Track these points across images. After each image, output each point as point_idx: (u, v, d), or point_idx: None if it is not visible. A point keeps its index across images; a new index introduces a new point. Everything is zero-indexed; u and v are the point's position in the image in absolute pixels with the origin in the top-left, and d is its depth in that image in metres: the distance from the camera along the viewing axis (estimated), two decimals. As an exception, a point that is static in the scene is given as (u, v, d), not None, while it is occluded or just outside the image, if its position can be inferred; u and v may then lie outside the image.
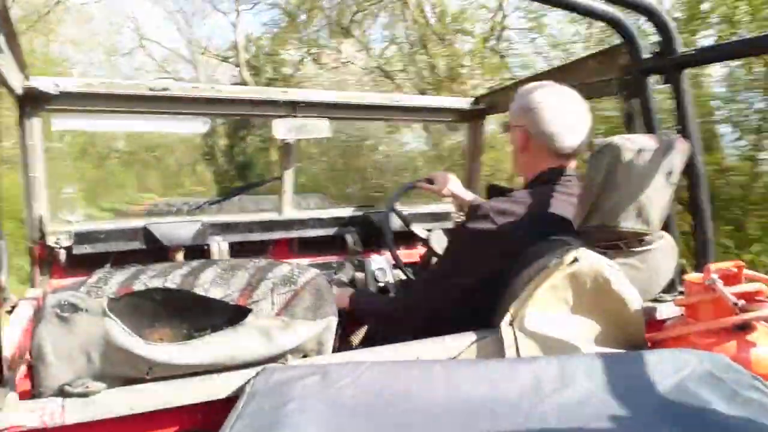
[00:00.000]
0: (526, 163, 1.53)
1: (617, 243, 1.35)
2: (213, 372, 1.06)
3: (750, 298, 1.19)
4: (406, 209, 2.44)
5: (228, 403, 0.97)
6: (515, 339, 1.16)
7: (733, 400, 0.86)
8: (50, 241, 1.92)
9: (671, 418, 0.84)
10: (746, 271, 1.25)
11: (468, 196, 1.99)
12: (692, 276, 1.30)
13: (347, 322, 1.65)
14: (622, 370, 0.97)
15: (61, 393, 0.99)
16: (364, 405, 0.90)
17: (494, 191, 1.70)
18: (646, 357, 1.00)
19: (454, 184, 1.99)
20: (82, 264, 1.92)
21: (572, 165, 1.52)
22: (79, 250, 1.97)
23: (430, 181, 2.03)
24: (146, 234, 2.07)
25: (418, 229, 2.16)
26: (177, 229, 2.11)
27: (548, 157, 1.48)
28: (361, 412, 0.89)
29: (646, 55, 1.55)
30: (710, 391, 0.88)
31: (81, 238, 1.98)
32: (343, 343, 1.80)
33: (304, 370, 1.00)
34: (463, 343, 1.18)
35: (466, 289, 1.39)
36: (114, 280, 1.12)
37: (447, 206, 2.61)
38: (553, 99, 1.48)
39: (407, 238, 2.47)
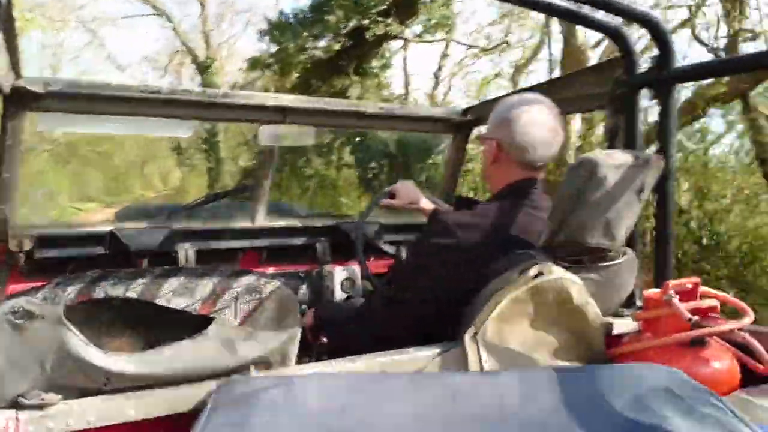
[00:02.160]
0: (496, 175, 1.54)
1: (580, 258, 1.37)
2: (174, 384, 1.04)
3: (704, 313, 1.23)
4: (380, 219, 2.44)
5: (190, 416, 0.95)
6: (478, 351, 1.17)
7: (689, 416, 0.88)
8: (11, 244, 1.85)
9: None
10: (702, 288, 1.29)
11: (430, 206, 1.93)
12: (651, 291, 1.33)
13: (311, 335, 1.64)
14: (582, 384, 0.98)
15: (15, 405, 0.95)
16: (329, 417, 0.90)
17: (461, 203, 1.71)
18: (606, 372, 1.02)
19: (415, 195, 1.93)
20: (43, 269, 1.86)
21: (541, 177, 1.52)
22: (40, 254, 1.91)
23: (392, 196, 1.96)
24: (112, 239, 2.01)
25: (386, 245, 2.16)
26: (144, 234, 2.06)
27: (518, 170, 1.49)
28: (325, 424, 0.88)
29: (641, 70, 1.56)
30: (667, 406, 0.90)
31: (44, 241, 1.92)
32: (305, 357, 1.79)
33: (268, 382, 0.98)
34: (427, 355, 1.18)
35: (428, 302, 1.39)
36: (73, 287, 1.09)
37: (420, 218, 2.62)
38: (527, 112, 1.47)
39: (378, 249, 2.47)
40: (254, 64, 12.98)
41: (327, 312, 1.73)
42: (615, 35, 1.56)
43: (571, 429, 0.86)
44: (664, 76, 1.50)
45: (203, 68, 18.27)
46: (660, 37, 1.49)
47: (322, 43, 11.20)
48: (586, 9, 1.47)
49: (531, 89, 2.08)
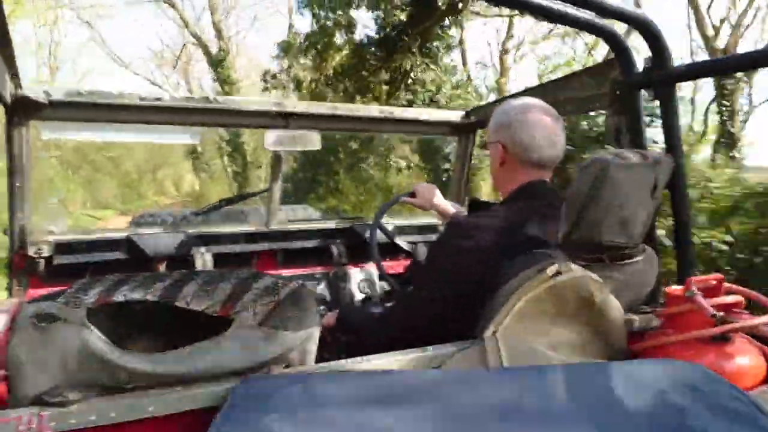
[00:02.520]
0: (504, 177, 1.54)
1: (600, 256, 1.36)
2: (194, 382, 1.05)
3: (728, 309, 1.21)
4: (393, 221, 2.45)
5: (209, 414, 0.95)
6: (498, 349, 1.16)
7: (712, 410, 0.86)
8: (31, 251, 1.89)
9: (652, 428, 0.84)
10: (726, 284, 1.27)
11: (451, 209, 2.00)
12: (673, 288, 1.32)
13: (330, 337, 1.64)
14: (604, 380, 0.97)
15: (38, 403, 0.97)
16: (347, 415, 0.90)
17: (474, 205, 1.71)
18: (627, 367, 1.01)
19: (437, 197, 2.00)
20: (62, 274, 1.90)
21: (549, 177, 1.53)
22: (59, 260, 1.94)
23: (413, 195, 2.04)
24: (129, 245, 2.05)
25: (402, 242, 2.17)
26: (161, 240, 2.10)
27: (526, 171, 1.49)
28: (343, 422, 0.88)
29: (637, 70, 1.56)
30: (690, 401, 0.89)
31: (62, 248, 1.96)
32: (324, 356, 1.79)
33: (287, 380, 0.99)
34: (445, 353, 1.18)
35: (447, 302, 1.38)
36: (93, 291, 1.11)
37: (433, 219, 2.63)
38: (528, 112, 1.49)
39: (392, 250, 2.48)
40: (286, 48, 11.76)
41: (347, 314, 1.73)
42: (608, 37, 1.56)
43: (592, 424, 0.85)
44: (661, 76, 1.51)
45: (217, 62, 17.56)
46: (653, 37, 1.50)
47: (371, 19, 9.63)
48: (579, 12, 1.48)
49: (530, 91, 2.08)
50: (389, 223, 2.44)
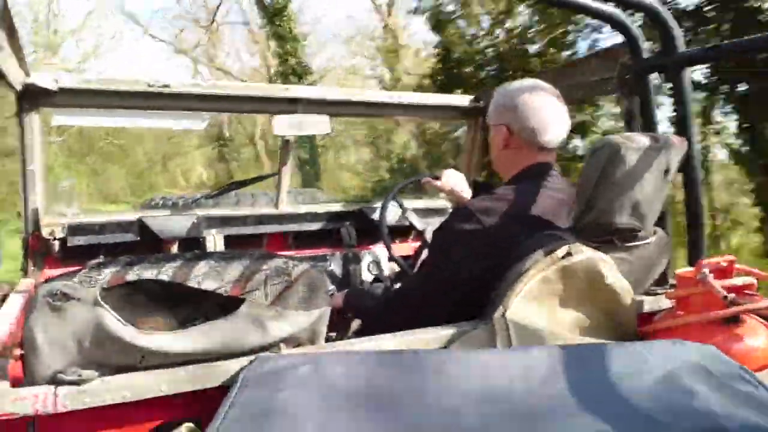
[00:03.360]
0: (507, 160, 1.53)
1: (611, 238, 1.36)
2: (206, 361, 1.07)
3: (740, 291, 1.20)
4: (404, 202, 2.44)
5: (221, 392, 0.97)
6: (507, 330, 1.17)
7: (722, 391, 0.86)
8: (45, 232, 1.92)
9: (661, 408, 0.85)
10: (737, 266, 1.26)
11: (468, 196, 1.97)
12: (684, 270, 1.31)
13: (338, 319, 1.66)
14: (613, 360, 0.97)
15: (54, 381, 0.99)
16: (356, 394, 0.91)
17: (478, 188, 1.70)
18: (637, 348, 1.01)
19: (460, 183, 1.95)
20: (76, 256, 1.93)
21: (552, 159, 1.52)
22: (73, 242, 1.97)
23: (437, 178, 1.99)
24: (141, 227, 2.07)
25: (416, 219, 2.16)
26: (172, 222, 2.11)
27: (530, 153, 1.49)
28: (353, 401, 0.89)
29: (647, 54, 1.56)
30: (700, 382, 0.89)
31: (75, 230, 1.98)
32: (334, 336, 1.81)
33: (297, 360, 1.00)
34: (454, 333, 1.18)
35: (455, 285, 1.39)
36: (107, 271, 1.12)
37: (444, 202, 2.62)
38: (532, 94, 1.48)
39: (402, 233, 2.48)
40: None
41: (355, 296, 1.74)
42: (616, 22, 1.54)
43: (600, 404, 0.86)
44: (671, 60, 1.50)
45: (274, 11, 14.22)
46: (662, 22, 1.49)
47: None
48: None
49: (540, 76, 2.06)
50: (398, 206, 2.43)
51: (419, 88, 10.38)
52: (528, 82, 1.53)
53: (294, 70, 14.22)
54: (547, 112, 1.46)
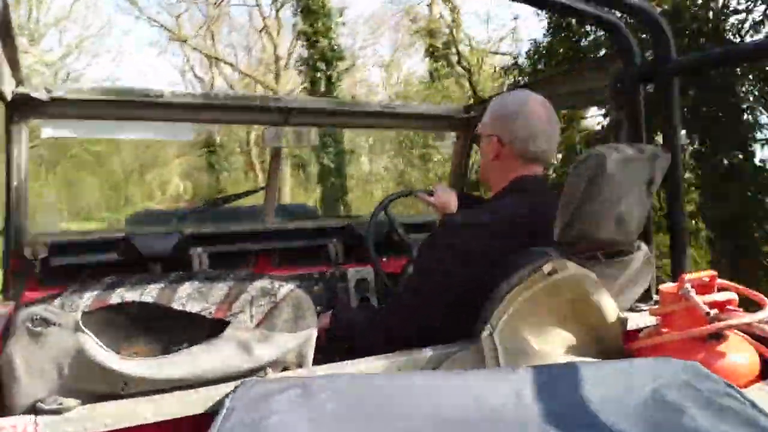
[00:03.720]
0: (497, 171, 1.53)
1: (595, 253, 1.37)
2: (191, 387, 1.05)
3: (722, 307, 1.21)
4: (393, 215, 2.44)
5: (207, 418, 0.95)
6: (495, 350, 1.17)
7: (708, 408, 0.87)
8: (26, 252, 1.88)
9: (649, 426, 0.85)
10: (719, 281, 1.27)
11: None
12: (667, 286, 1.32)
13: (325, 338, 1.64)
14: (600, 379, 0.98)
15: (33, 410, 0.96)
16: (346, 417, 0.90)
17: (465, 201, 1.70)
18: (624, 366, 1.01)
19: (451, 200, 1.93)
20: (58, 276, 1.89)
21: (541, 172, 1.52)
22: (55, 261, 1.93)
23: (430, 194, 2.00)
24: (125, 245, 2.04)
25: (403, 233, 2.16)
26: (157, 240, 2.09)
27: (521, 164, 1.49)
28: (342, 424, 0.88)
29: (640, 63, 1.55)
30: (686, 399, 0.90)
31: (58, 249, 1.95)
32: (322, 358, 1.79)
33: (285, 383, 0.99)
34: (442, 354, 1.18)
35: (442, 298, 1.38)
36: (89, 294, 1.10)
37: (431, 217, 2.62)
38: (525, 106, 1.48)
39: (389, 250, 2.47)
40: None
41: (343, 314, 1.73)
42: (612, 29, 1.55)
43: (588, 423, 0.86)
44: (664, 69, 1.50)
45: None
46: (656, 29, 1.49)
47: None
48: (582, 4, 1.48)
49: (531, 85, 2.07)
50: (386, 221, 2.43)
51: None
52: (521, 93, 1.53)
53: (324, 55, 12.13)
54: (537, 123, 1.46)
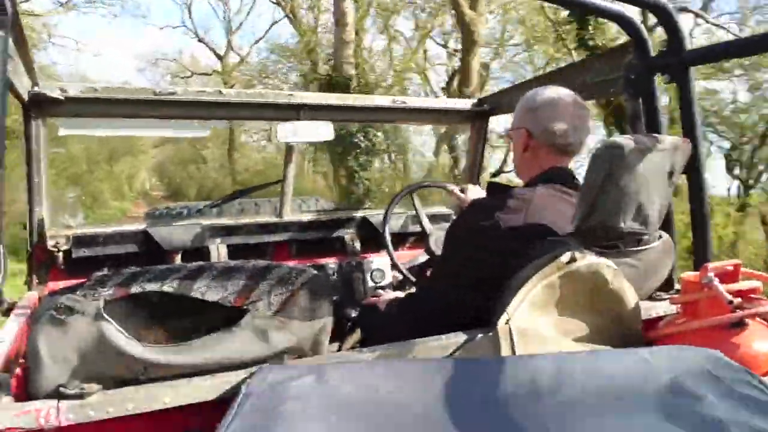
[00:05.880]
0: (526, 163, 1.54)
1: (615, 243, 1.35)
2: (209, 372, 1.07)
3: (745, 295, 1.19)
4: (409, 211, 2.45)
5: (224, 404, 0.97)
6: (511, 338, 1.16)
7: (729, 397, 0.85)
8: (49, 244, 1.93)
9: (668, 414, 0.84)
10: (743, 269, 1.25)
11: None
12: (689, 274, 1.30)
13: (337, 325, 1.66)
14: (619, 366, 0.97)
15: (57, 395, 0.99)
16: (360, 404, 0.90)
17: (493, 189, 1.70)
18: (643, 354, 1.00)
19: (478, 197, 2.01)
20: (80, 267, 1.93)
21: (570, 163, 1.52)
22: (77, 253, 1.98)
23: (463, 191, 2.07)
24: (145, 238, 2.08)
25: (427, 222, 2.18)
26: (176, 232, 2.13)
27: (549, 156, 1.49)
28: (357, 411, 0.89)
29: (653, 54, 1.55)
30: (707, 387, 0.88)
31: (80, 241, 1.99)
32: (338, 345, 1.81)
33: (300, 370, 1.00)
34: (458, 341, 1.18)
35: (466, 288, 1.38)
36: (111, 283, 1.12)
37: (449, 210, 2.62)
38: (553, 99, 1.49)
39: (405, 240, 2.48)
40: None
41: (368, 311, 1.75)
42: (624, 21, 1.54)
43: (607, 410, 0.85)
44: (677, 60, 1.49)
45: None
46: (669, 21, 1.48)
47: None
48: None
49: (545, 77, 2.06)
50: (401, 213, 2.44)
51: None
52: (550, 87, 1.54)
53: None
54: (564, 117, 1.47)
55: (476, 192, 2.03)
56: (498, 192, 1.53)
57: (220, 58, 22.41)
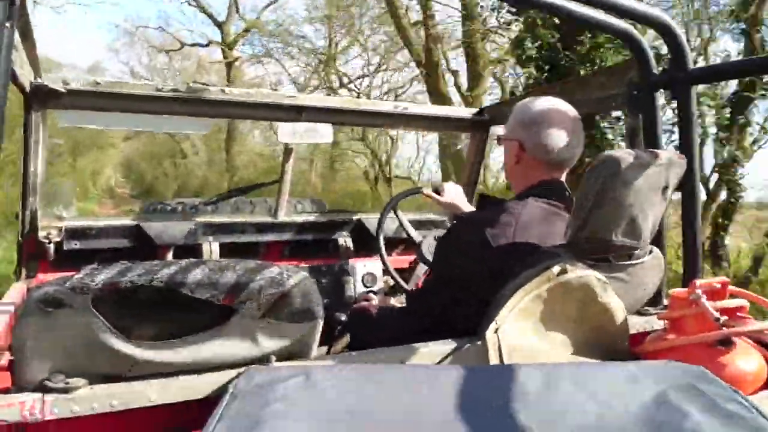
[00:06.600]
0: (518, 175, 1.54)
1: (606, 256, 1.36)
2: (195, 372, 1.06)
3: (732, 313, 1.20)
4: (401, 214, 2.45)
5: (210, 404, 0.96)
6: (499, 347, 1.16)
7: (712, 413, 0.86)
8: (41, 236, 1.92)
9: (652, 429, 0.84)
10: (731, 287, 1.26)
11: (467, 209, 1.99)
12: (678, 290, 1.31)
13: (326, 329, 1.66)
14: (605, 379, 0.97)
15: (42, 388, 0.98)
16: (347, 407, 0.90)
17: (484, 201, 1.71)
18: (630, 368, 1.00)
19: (459, 198, 1.99)
20: (71, 260, 1.92)
21: (563, 178, 1.53)
22: (69, 245, 1.97)
23: (437, 192, 2.03)
24: (138, 232, 2.07)
25: (413, 231, 2.17)
26: (169, 228, 2.12)
27: (541, 170, 1.49)
28: (343, 414, 0.89)
29: (655, 71, 1.57)
30: (690, 402, 0.89)
31: (71, 233, 1.98)
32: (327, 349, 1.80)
33: (288, 372, 0.99)
34: (447, 349, 1.18)
35: (455, 303, 1.38)
36: (101, 277, 1.12)
37: (441, 215, 2.63)
38: (548, 112, 1.49)
39: (398, 245, 2.48)
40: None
41: (360, 315, 1.74)
42: (627, 38, 1.55)
43: (591, 424, 0.85)
44: (680, 78, 1.51)
45: None
46: (673, 38, 1.50)
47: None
48: (598, 13, 1.48)
49: (548, 89, 2.07)
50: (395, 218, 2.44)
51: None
52: (546, 100, 1.54)
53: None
54: (559, 130, 1.46)
55: (453, 190, 2.01)
56: (488, 205, 1.54)
57: (219, 25, 18.83)
